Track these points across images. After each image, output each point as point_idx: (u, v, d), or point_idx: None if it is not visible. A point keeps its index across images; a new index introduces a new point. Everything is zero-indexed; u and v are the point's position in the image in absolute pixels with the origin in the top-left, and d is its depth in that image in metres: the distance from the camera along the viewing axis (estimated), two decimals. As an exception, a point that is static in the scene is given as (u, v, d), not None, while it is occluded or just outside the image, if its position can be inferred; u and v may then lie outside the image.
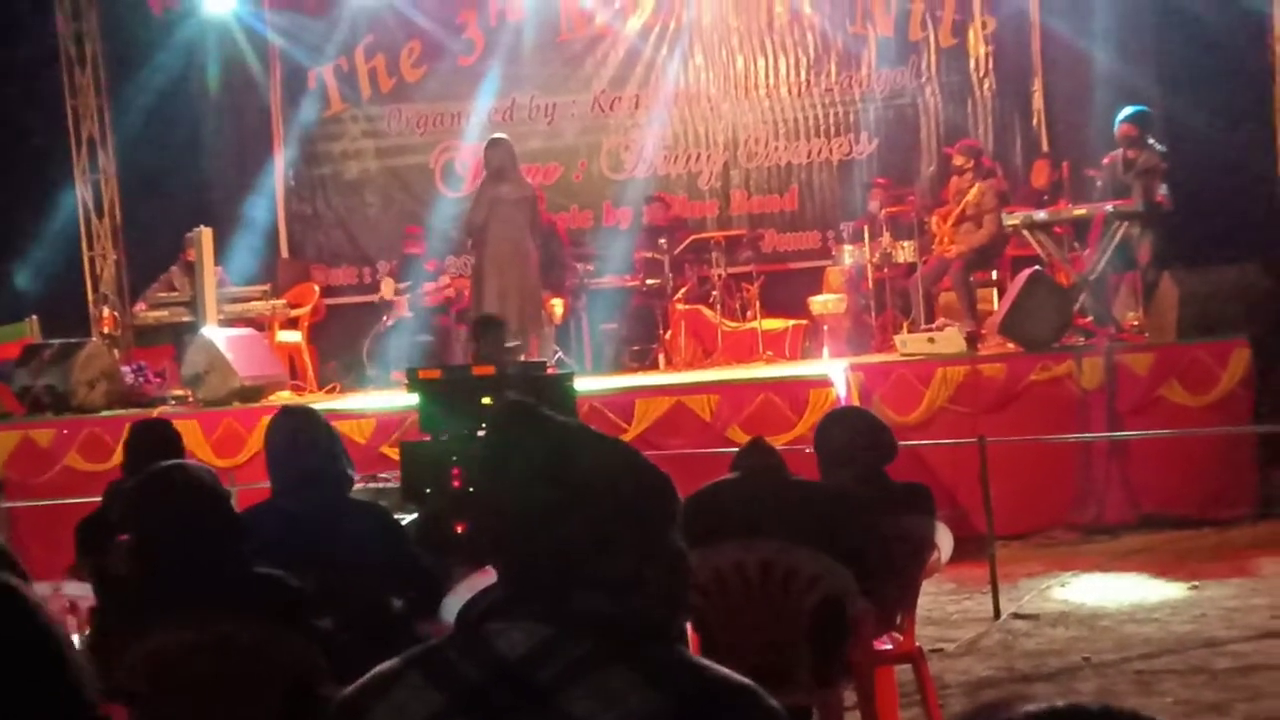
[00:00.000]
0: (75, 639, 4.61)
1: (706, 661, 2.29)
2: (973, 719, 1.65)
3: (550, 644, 2.17)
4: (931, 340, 12.63)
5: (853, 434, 6.46)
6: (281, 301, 15.48)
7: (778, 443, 6.25)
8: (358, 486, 6.01)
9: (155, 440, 6.80)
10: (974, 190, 14.05)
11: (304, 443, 5.42)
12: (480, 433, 6.99)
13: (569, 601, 2.22)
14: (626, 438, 11.05)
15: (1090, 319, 12.95)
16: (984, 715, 1.64)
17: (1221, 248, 12.79)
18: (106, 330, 15.90)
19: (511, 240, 13.34)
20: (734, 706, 2.19)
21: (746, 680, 2.22)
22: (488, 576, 2.37)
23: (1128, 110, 13.13)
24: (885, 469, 6.47)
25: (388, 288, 16.13)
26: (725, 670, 2.24)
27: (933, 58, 16.83)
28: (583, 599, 2.22)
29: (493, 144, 13.67)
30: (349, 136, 17.94)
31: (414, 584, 5.40)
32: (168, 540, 4.39)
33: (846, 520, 5.63)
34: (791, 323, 15.06)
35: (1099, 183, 13.51)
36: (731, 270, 15.34)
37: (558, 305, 14.57)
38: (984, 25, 16.63)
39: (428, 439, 7.30)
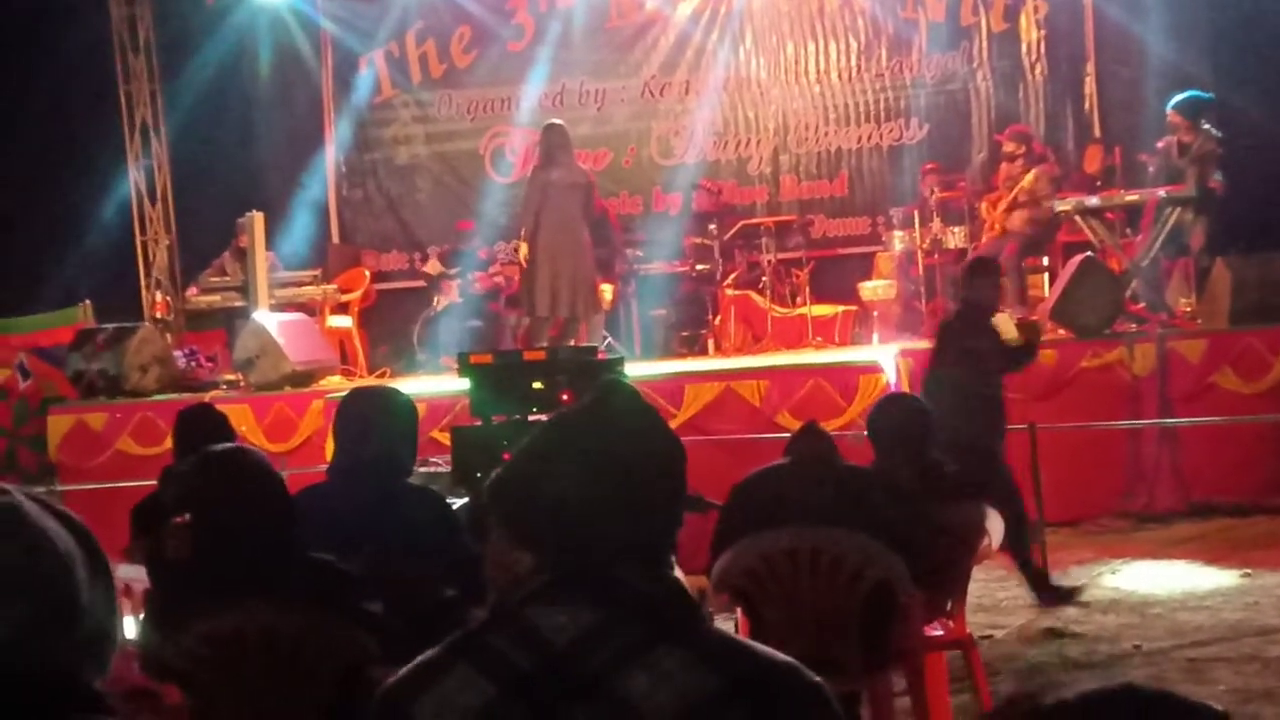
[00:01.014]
0: (130, 621, 4.65)
1: (752, 642, 2.31)
2: (1018, 701, 1.65)
3: (600, 627, 2.18)
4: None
5: (905, 420, 6.47)
6: (332, 286, 15.53)
7: (828, 428, 6.22)
8: (408, 471, 6.02)
9: (204, 425, 6.84)
10: (1029, 176, 13.97)
11: (361, 426, 5.43)
12: (531, 417, 7.00)
13: (618, 583, 2.22)
14: (675, 422, 11.09)
15: (1142, 305, 12.88)
16: (1027, 700, 1.63)
17: (1275, 234, 12.71)
18: (159, 315, 15.99)
19: (565, 226, 13.33)
20: (782, 685, 2.21)
21: (791, 659, 2.23)
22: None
23: (1181, 95, 13.03)
24: (937, 455, 6.47)
25: (434, 266, 16.18)
26: (770, 650, 2.25)
27: (984, 42, 16.74)
28: (631, 580, 2.23)
29: (548, 129, 13.68)
30: (399, 122, 17.98)
31: (465, 569, 5.41)
32: (224, 523, 4.42)
33: (897, 507, 5.63)
34: (841, 308, 15.03)
35: (1151, 168, 13.43)
36: (781, 256, 15.32)
37: (607, 290, 14.56)
38: (1036, 10, 16.53)
39: (478, 424, 7.31)
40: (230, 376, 13.88)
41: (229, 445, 4.82)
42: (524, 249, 13.40)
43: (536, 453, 2.36)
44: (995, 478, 8.50)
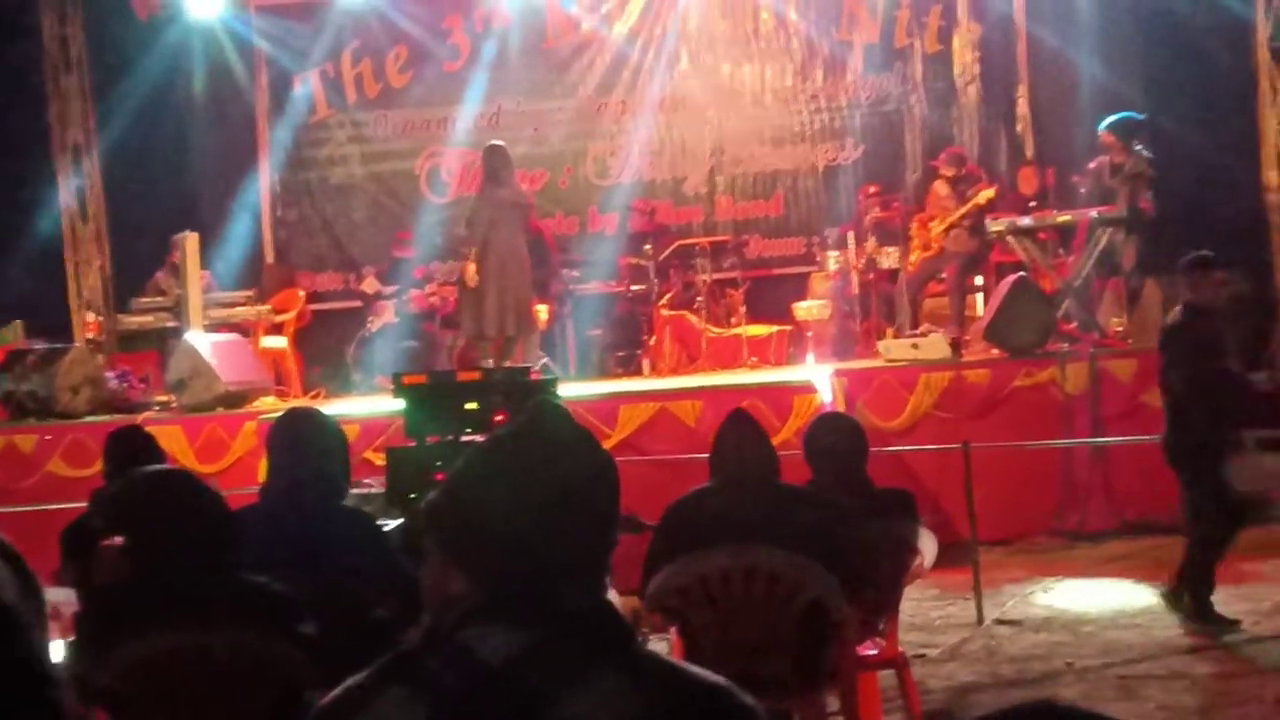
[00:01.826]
0: (59, 645, 4.62)
1: (685, 664, 2.32)
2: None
3: (535, 648, 2.18)
4: (916, 346, 12.65)
5: (840, 439, 6.51)
6: (266, 307, 15.47)
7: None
8: (342, 492, 6.01)
9: (132, 447, 6.81)
10: (984, 193, 13.99)
11: (296, 447, 5.43)
12: (465, 438, 7.00)
13: (556, 602, 2.23)
14: (610, 443, 11.10)
15: (1074, 325, 12.99)
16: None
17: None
18: (90, 336, 15.85)
19: (511, 246, 13.39)
20: (714, 707, 2.22)
21: (722, 680, 2.24)
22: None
23: (1114, 116, 13.15)
24: (870, 474, 6.52)
25: (370, 284, 16.14)
26: (703, 671, 2.27)
27: (918, 64, 16.87)
28: (569, 599, 2.23)
29: (491, 150, 13.71)
30: (335, 142, 17.94)
31: (400, 591, 5.41)
32: (155, 545, 4.40)
33: (830, 526, 5.65)
34: (776, 328, 15.07)
35: (1084, 189, 13.54)
36: (716, 276, 15.37)
37: (543, 311, 14.57)
38: (969, 31, 16.65)
39: (413, 444, 7.31)
40: (162, 397, 13.78)
41: (157, 467, 4.80)
42: (471, 268, 13.39)
43: (470, 474, 2.37)
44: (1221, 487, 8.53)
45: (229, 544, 4.52)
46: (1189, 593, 8.81)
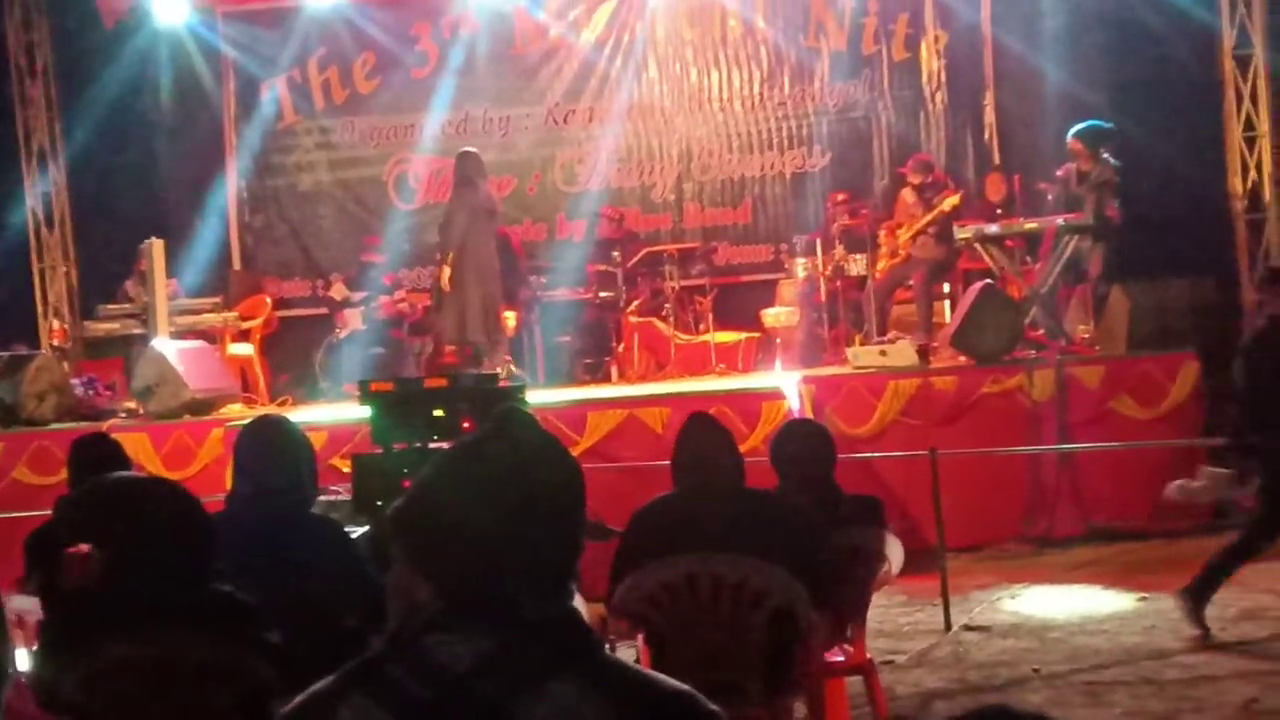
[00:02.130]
0: (22, 653, 4.59)
1: (649, 671, 2.32)
2: None
3: (497, 655, 2.18)
4: (883, 353, 12.68)
5: (807, 446, 6.51)
6: (233, 314, 15.42)
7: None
8: (308, 500, 6.00)
9: (98, 455, 6.77)
10: (950, 200, 14.00)
11: (266, 454, 5.42)
12: (432, 445, 6.99)
13: (516, 610, 2.22)
14: (578, 450, 11.11)
15: (1041, 332, 13.02)
16: None
17: (1171, 261, 12.89)
18: (56, 343, 15.82)
19: (487, 251, 13.43)
20: (678, 714, 2.22)
21: (685, 687, 2.24)
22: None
23: (1082, 124, 13.20)
24: (837, 481, 6.52)
25: (338, 290, 16.11)
26: (667, 679, 2.27)
27: (886, 71, 16.90)
28: (529, 606, 2.23)
29: (464, 156, 13.74)
30: (302, 149, 17.90)
31: (366, 599, 5.39)
32: (125, 552, 4.37)
33: (797, 532, 5.65)
34: (744, 335, 15.08)
35: (1050, 197, 13.59)
36: (684, 283, 15.37)
37: (510, 317, 14.55)
38: (936, 40, 16.71)
39: (380, 452, 7.29)
40: (129, 405, 13.74)
41: (124, 473, 4.77)
42: (446, 273, 13.39)
43: (436, 481, 2.36)
44: None
45: (199, 552, 4.49)
46: (1195, 585, 8.68)
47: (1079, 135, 13.06)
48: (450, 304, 13.55)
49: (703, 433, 5.87)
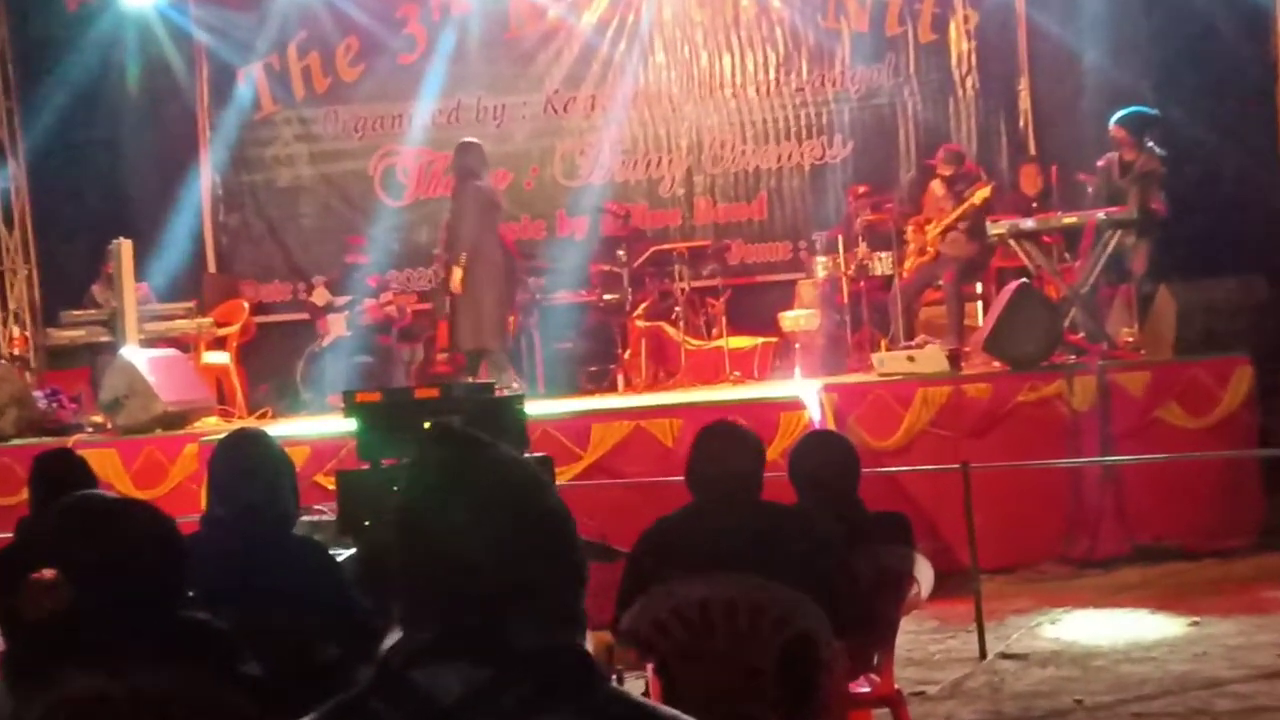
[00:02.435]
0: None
1: (653, 704, 2.31)
2: None
3: (489, 687, 2.18)
4: (911, 359, 12.66)
5: (829, 460, 6.50)
6: (208, 320, 15.44)
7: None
8: (290, 520, 6.00)
9: (62, 473, 6.77)
10: (979, 193, 13.99)
11: (244, 471, 5.43)
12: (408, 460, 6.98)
13: (507, 639, 2.22)
14: (582, 465, 11.15)
15: (1081, 335, 13.00)
16: None
17: (1221, 258, 12.87)
18: (17, 351, 15.84)
19: (497, 250, 13.56)
20: None
21: None
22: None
23: (1123, 111, 13.18)
24: (861, 497, 6.51)
25: (320, 295, 16.11)
26: (674, 712, 2.26)
27: (911, 54, 16.91)
28: (521, 636, 2.22)
29: (467, 147, 13.80)
30: (281, 141, 17.92)
31: (350, 626, 5.39)
32: (93, 577, 4.37)
33: (818, 552, 5.64)
34: (760, 340, 15.08)
35: (1091, 189, 13.56)
36: (695, 284, 15.35)
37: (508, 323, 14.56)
38: (966, 20, 16.71)
39: (366, 467, 7.29)
40: (96, 418, 13.75)
41: (93, 491, 4.77)
42: (458, 275, 13.40)
43: (414, 507, 2.35)
44: None
45: (171, 578, 4.49)
46: None
47: (1122, 122, 13.05)
48: (465, 308, 13.57)
49: (722, 441, 5.84)
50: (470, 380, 12.97)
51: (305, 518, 7.32)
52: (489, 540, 2.26)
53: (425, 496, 2.34)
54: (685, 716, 2.25)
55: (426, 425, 2.39)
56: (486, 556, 2.25)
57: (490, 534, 2.26)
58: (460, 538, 2.26)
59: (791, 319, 15.19)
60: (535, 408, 10.55)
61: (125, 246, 14.35)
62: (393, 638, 4.51)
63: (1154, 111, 13.30)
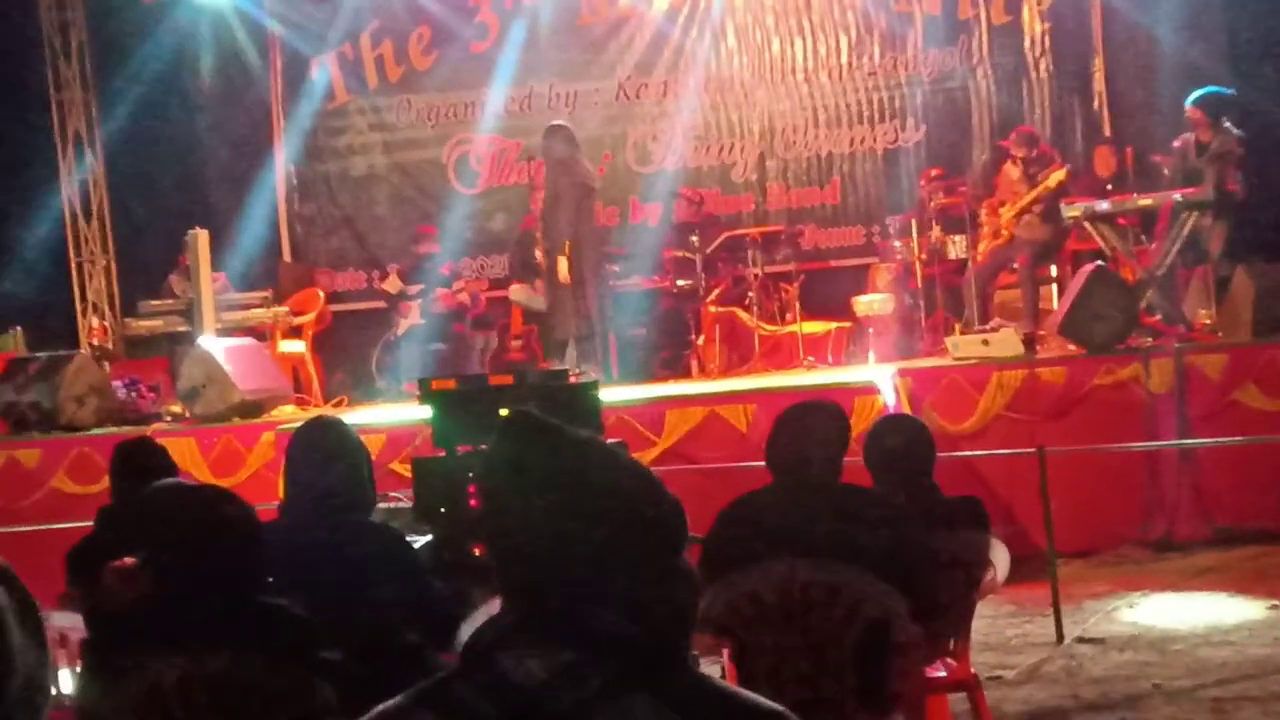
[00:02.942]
0: (65, 673, 4.65)
1: (734, 688, 2.32)
2: None
3: (570, 669, 2.19)
4: (986, 342, 12.60)
5: (904, 445, 6.48)
6: (284, 308, 15.53)
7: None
8: (367, 507, 6.03)
9: (144, 462, 6.83)
10: (1055, 175, 13.93)
11: (322, 458, 5.46)
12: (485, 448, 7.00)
13: (588, 622, 2.23)
14: (656, 450, 11.14)
15: (1158, 317, 12.93)
16: None
17: (1299, 239, 12.77)
18: (96, 342, 15.96)
19: (596, 236, 13.65)
20: None
21: (778, 706, 2.24)
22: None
23: (1200, 91, 13.09)
24: (936, 481, 6.49)
25: (393, 284, 16.16)
26: (755, 696, 2.26)
27: (984, 37, 16.81)
28: (602, 619, 2.23)
29: (558, 131, 13.88)
30: (355, 130, 17.98)
31: (428, 612, 5.42)
32: (175, 565, 4.41)
33: (894, 536, 5.62)
34: (834, 325, 15.04)
35: (1167, 170, 13.49)
36: (769, 269, 15.34)
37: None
38: (1039, 1, 16.60)
39: (442, 454, 7.31)
40: (174, 407, 13.83)
41: (175, 480, 4.82)
42: (565, 265, 13.46)
43: (501, 492, 2.37)
44: None
45: (251, 565, 4.52)
46: None
47: (1198, 103, 12.96)
48: (568, 296, 13.60)
49: (807, 419, 5.83)
50: (555, 366, 13.01)
51: (382, 505, 7.36)
52: (567, 525, 2.27)
53: (504, 483, 2.35)
54: (765, 700, 2.25)
55: (504, 412, 2.39)
56: (565, 541, 2.26)
57: (563, 520, 2.27)
58: (539, 523, 2.27)
59: (865, 303, 15.15)
60: (610, 394, 10.57)
61: (201, 237, 14.44)
62: (470, 623, 4.55)
63: (1230, 91, 13.19)
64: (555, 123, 14.17)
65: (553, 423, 2.38)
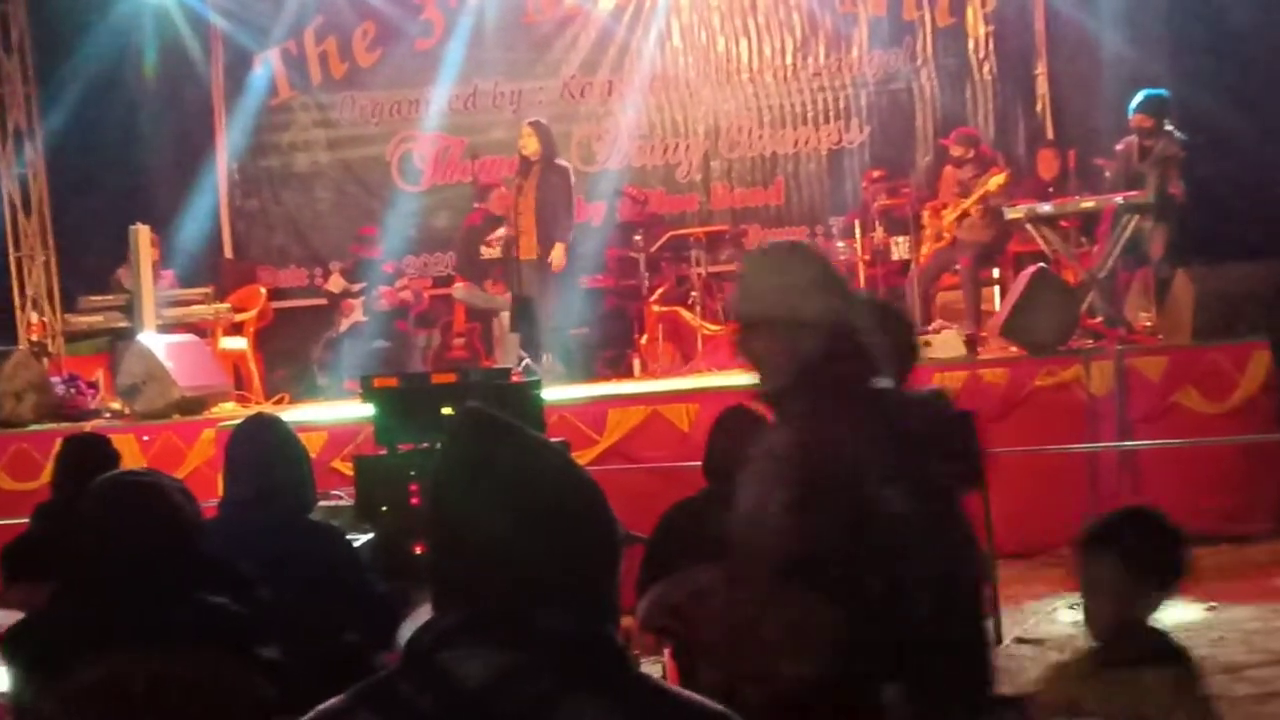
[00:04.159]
0: (0, 672, 4.60)
1: (680, 690, 2.32)
2: None
3: (514, 670, 2.18)
4: (928, 344, 12.63)
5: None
6: (225, 305, 15.44)
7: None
8: (307, 505, 6.01)
9: (90, 457, 6.79)
10: (994, 179, 13.98)
11: (262, 456, 5.45)
12: (439, 446, 6.99)
13: (533, 623, 2.23)
14: (598, 449, 11.14)
15: (1099, 320, 12.98)
16: None
17: (1240, 243, 12.82)
18: (35, 337, 15.83)
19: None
20: None
21: (720, 707, 2.24)
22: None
23: (1143, 95, 13.16)
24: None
25: (336, 283, 16.11)
26: (698, 697, 2.27)
27: (929, 39, 16.87)
28: (547, 619, 2.23)
29: (544, 127, 13.98)
30: (298, 126, 17.91)
31: (369, 611, 5.41)
32: (114, 560, 4.37)
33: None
34: (778, 326, 15.03)
35: (1109, 173, 13.55)
36: (712, 269, 15.35)
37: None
38: (983, 3, 16.66)
39: (384, 453, 7.30)
40: (113, 404, 13.76)
41: (122, 471, 4.79)
42: (560, 249, 13.89)
43: (443, 491, 2.37)
44: None
45: (190, 560, 4.50)
46: None
47: (1142, 107, 13.03)
48: (558, 287, 13.96)
49: (737, 427, 5.84)
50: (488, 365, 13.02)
51: (323, 503, 7.35)
52: (516, 525, 2.26)
53: (452, 481, 2.35)
54: (707, 701, 2.26)
55: (449, 411, 2.40)
56: (514, 541, 2.26)
57: (517, 519, 2.27)
58: (487, 522, 2.27)
59: (808, 304, 15.14)
60: (551, 393, 10.56)
61: (143, 232, 14.36)
62: (410, 622, 4.53)
63: (1167, 94, 13.26)
64: (535, 119, 14.32)
65: (509, 420, 2.38)
